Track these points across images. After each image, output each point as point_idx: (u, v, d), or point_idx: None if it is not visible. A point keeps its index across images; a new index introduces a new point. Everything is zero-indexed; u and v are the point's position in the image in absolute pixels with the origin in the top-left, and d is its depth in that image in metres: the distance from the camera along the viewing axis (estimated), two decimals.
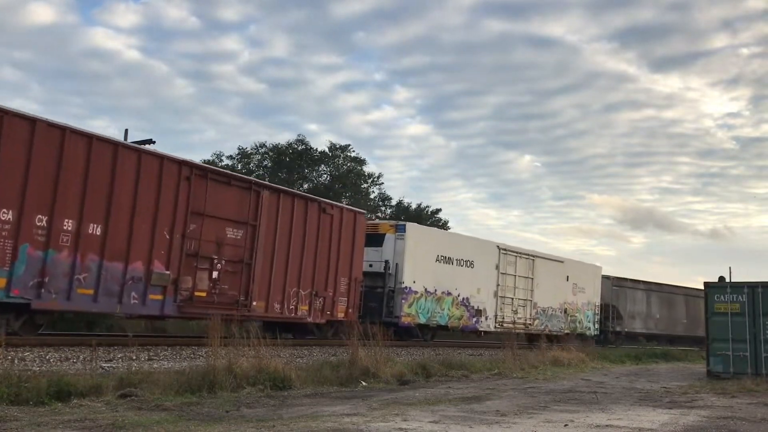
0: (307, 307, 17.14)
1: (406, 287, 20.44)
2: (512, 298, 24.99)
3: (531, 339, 24.22)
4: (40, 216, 11.80)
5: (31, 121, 11.71)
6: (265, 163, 39.41)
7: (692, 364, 22.71)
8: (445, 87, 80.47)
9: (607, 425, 7.63)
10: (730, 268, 36.93)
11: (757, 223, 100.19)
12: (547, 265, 27.01)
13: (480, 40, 78.04)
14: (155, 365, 10.79)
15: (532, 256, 26.21)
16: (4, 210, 11.32)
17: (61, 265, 12.07)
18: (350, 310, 18.44)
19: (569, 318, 28.01)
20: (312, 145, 40.14)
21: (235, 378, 9.17)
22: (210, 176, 15.00)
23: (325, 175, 40.44)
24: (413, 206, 43.09)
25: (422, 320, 21.10)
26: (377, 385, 10.97)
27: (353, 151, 41.23)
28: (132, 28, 71.96)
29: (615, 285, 32.11)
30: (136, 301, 13.35)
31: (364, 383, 10.86)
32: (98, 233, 12.69)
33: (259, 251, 15.88)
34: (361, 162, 41.34)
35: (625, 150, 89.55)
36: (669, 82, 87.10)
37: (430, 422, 7.25)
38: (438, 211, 44.48)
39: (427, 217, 42.59)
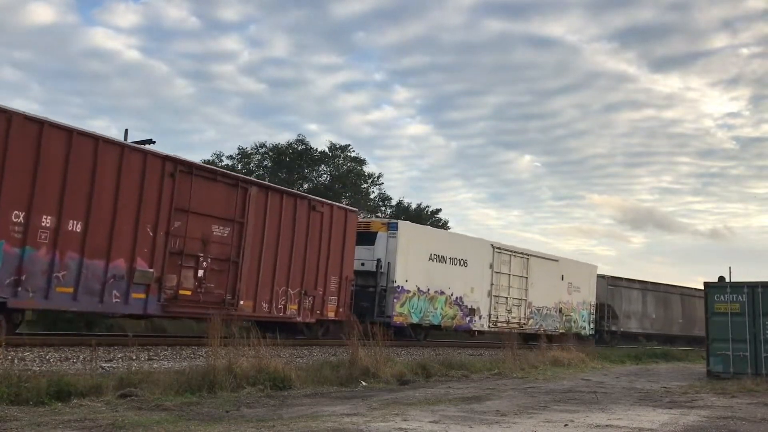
0: (296, 307, 16.89)
1: (398, 286, 20.25)
2: (506, 298, 24.78)
3: (525, 339, 24.07)
4: (16, 212, 11.48)
5: (7, 115, 11.37)
6: (265, 163, 39.43)
7: (692, 364, 22.71)
8: (445, 87, 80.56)
9: (607, 425, 7.63)
10: (730, 268, 36.85)
11: (757, 223, 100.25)
12: (542, 264, 26.80)
13: (480, 40, 78.12)
14: (155, 365, 10.79)
15: (526, 255, 26.00)
16: None
17: (39, 263, 11.76)
18: (341, 310, 18.21)
19: (564, 317, 27.83)
20: (312, 145, 40.22)
21: (235, 378, 9.18)
22: (195, 172, 14.68)
23: (325, 175, 40.48)
24: (413, 206, 43.13)
25: (415, 320, 20.90)
26: (377, 385, 10.97)
27: (353, 151, 41.30)
28: (132, 28, 72.03)
29: (610, 284, 31.95)
30: (118, 300, 13.06)
31: (364, 383, 10.87)
32: (78, 230, 12.37)
33: (246, 249, 15.63)
34: (361, 162, 41.39)
35: (625, 150, 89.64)
36: (669, 82, 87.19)
37: (430, 422, 7.25)
38: (438, 211, 44.58)
39: (427, 217, 42.60)
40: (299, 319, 17.04)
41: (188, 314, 14.85)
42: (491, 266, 24.09)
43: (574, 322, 28.47)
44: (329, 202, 18.93)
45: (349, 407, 8.23)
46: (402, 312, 20.36)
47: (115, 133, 43.68)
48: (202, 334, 14.30)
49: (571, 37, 79.44)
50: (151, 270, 13.64)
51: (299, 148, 39.40)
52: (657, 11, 77.02)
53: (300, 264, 17.05)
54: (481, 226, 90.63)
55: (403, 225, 21.26)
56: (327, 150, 40.50)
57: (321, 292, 17.67)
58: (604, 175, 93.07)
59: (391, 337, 13.15)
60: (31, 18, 64.49)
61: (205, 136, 72.12)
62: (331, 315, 17.96)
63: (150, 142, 18.00)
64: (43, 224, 11.86)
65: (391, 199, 43.14)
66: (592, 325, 29.83)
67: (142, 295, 13.49)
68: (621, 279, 33.10)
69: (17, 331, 12.30)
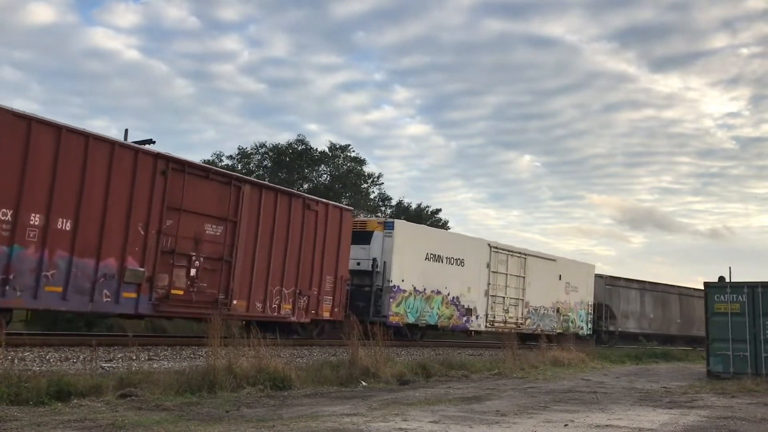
0: (290, 306, 16.71)
1: (394, 286, 20.09)
2: (503, 297, 24.64)
3: (523, 339, 23.94)
4: (4, 210, 11.34)
5: None
6: (265, 163, 39.43)
7: (692, 364, 22.71)
8: (445, 87, 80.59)
9: (607, 425, 7.63)
10: (730, 268, 36.82)
11: (757, 223, 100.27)
12: (540, 263, 26.67)
13: (480, 40, 78.13)
14: (155, 365, 10.79)
15: (524, 255, 25.85)
16: None
17: (28, 262, 11.59)
18: (336, 309, 18.07)
19: (562, 317, 27.71)
20: (312, 145, 40.19)
21: (235, 378, 9.18)
22: (187, 170, 14.46)
23: (325, 175, 40.47)
24: (413, 206, 43.14)
25: (411, 319, 20.76)
26: (377, 385, 10.97)
27: (353, 151, 41.27)
28: (132, 28, 72.04)
29: (608, 284, 31.81)
30: (109, 300, 12.87)
31: (364, 383, 10.87)
32: (68, 228, 12.18)
33: (239, 248, 15.45)
34: (361, 162, 41.37)
35: (624, 150, 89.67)
36: (669, 82, 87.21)
37: (430, 422, 7.25)
38: (438, 211, 44.57)
39: (427, 217, 42.60)
40: (293, 318, 16.85)
41: (180, 314, 14.70)
42: (488, 266, 23.95)
43: (572, 322, 28.35)
44: (324, 200, 18.77)
45: (349, 407, 8.23)
46: (398, 312, 20.24)
47: (115, 133, 43.69)
48: (202, 334, 14.29)
49: (571, 37, 79.51)
50: (143, 269, 13.46)
51: (299, 148, 39.40)
52: (657, 11, 77.09)
53: (294, 263, 16.88)
54: (480, 226, 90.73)
55: (399, 224, 21.12)
56: (327, 150, 40.52)
57: (316, 292, 17.49)
58: (603, 175, 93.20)
59: (390, 337, 13.15)
60: (31, 18, 64.56)
61: (205, 136, 72.19)
62: (326, 315, 17.80)
63: (150, 142, 17.99)
64: (31, 222, 11.70)
65: (391, 199, 43.21)
66: (589, 325, 29.69)
67: (133, 295, 13.32)
68: (619, 279, 33.01)
69: (9, 331, 12.18)
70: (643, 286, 34.17)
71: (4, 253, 11.33)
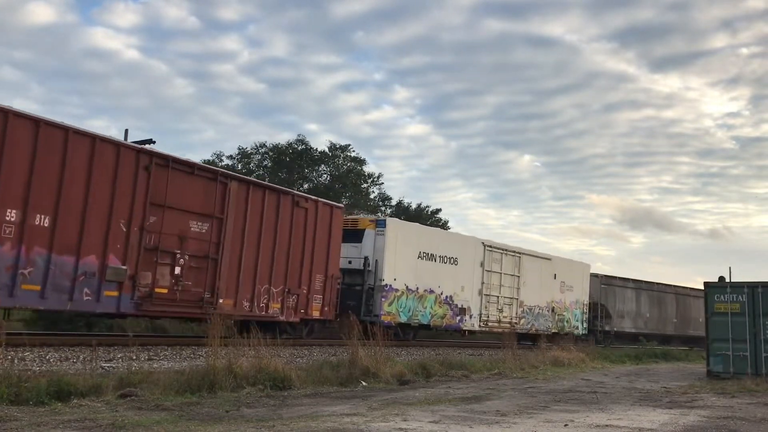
0: (279, 305, 16.39)
1: (386, 285, 19.78)
2: (498, 297, 24.38)
3: (518, 338, 23.86)
4: None
5: None
6: (265, 163, 39.45)
7: (692, 364, 22.72)
8: (445, 87, 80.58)
9: (607, 425, 7.63)
10: (730, 268, 36.66)
11: (756, 223, 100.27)
12: (534, 262, 26.42)
13: (480, 39, 78.13)
14: (155, 365, 10.79)
15: (518, 254, 25.59)
16: None
17: (4, 259, 11.28)
18: (326, 309, 17.77)
19: (557, 317, 27.49)
20: (312, 145, 40.21)
21: (235, 378, 9.19)
22: (172, 165, 14.13)
23: (325, 175, 40.49)
24: (413, 206, 43.15)
25: (403, 319, 20.44)
26: (377, 385, 10.97)
27: (353, 151, 41.29)
28: (131, 28, 72.05)
29: (604, 283, 31.62)
30: (90, 298, 12.55)
31: (364, 383, 10.87)
32: (46, 224, 11.84)
33: (226, 246, 15.13)
34: (361, 162, 41.39)
35: (624, 150, 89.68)
36: (669, 82, 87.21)
37: (430, 422, 7.25)
38: (438, 211, 44.57)
39: (427, 217, 42.60)
40: (282, 318, 16.52)
41: (164, 313, 14.46)
42: (482, 264, 23.70)
43: (567, 321, 28.14)
44: (314, 197, 18.42)
45: (349, 407, 8.23)
46: (390, 311, 19.96)
47: (115, 133, 43.60)
48: (201, 334, 14.29)
49: (571, 37, 79.51)
50: (125, 267, 13.15)
51: (299, 148, 39.42)
52: (657, 11, 77.09)
53: (283, 261, 16.57)
54: (480, 226, 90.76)
55: (392, 222, 20.89)
56: (327, 150, 40.54)
57: (305, 291, 17.18)
58: (603, 175, 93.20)
59: (391, 337, 13.14)
60: (31, 18, 64.55)
61: (205, 136, 72.21)
62: (315, 314, 17.48)
63: (150, 142, 17.96)
64: (7, 218, 11.38)
65: (391, 199, 43.22)
66: (585, 325, 29.48)
67: (115, 293, 13.01)
68: (614, 278, 32.89)
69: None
70: (639, 286, 34.04)
71: None
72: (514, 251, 25.49)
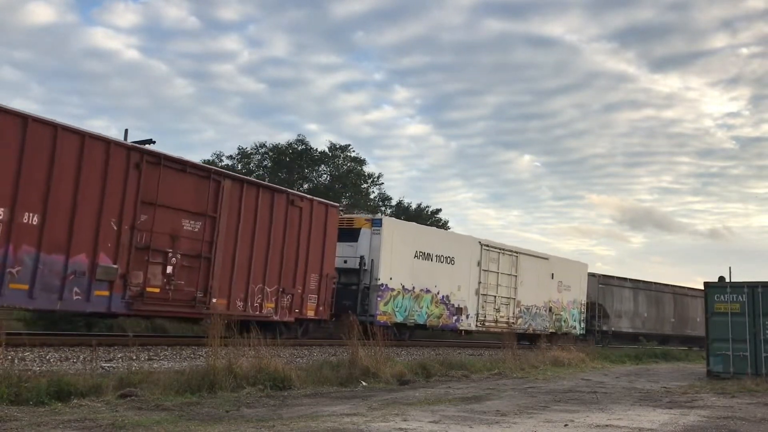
0: (273, 305, 16.22)
1: (382, 284, 19.59)
2: (495, 296, 24.26)
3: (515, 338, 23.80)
4: None
5: None
6: (265, 163, 39.46)
7: (692, 364, 22.72)
8: (445, 87, 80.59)
9: (607, 425, 7.63)
10: (730, 268, 36.71)
11: (756, 223, 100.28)
12: (532, 262, 26.30)
13: (480, 39, 78.13)
14: (155, 365, 10.79)
15: (515, 253, 25.46)
16: None
17: None
18: (321, 308, 17.63)
19: (554, 317, 27.40)
20: (312, 145, 40.23)
21: (235, 378, 9.19)
22: (163, 163, 13.93)
23: (325, 175, 40.50)
24: (413, 206, 43.15)
25: (399, 319, 20.23)
26: (377, 385, 10.97)
27: (353, 151, 41.31)
28: (131, 28, 72.06)
29: (601, 283, 31.47)
30: (80, 297, 12.37)
31: (364, 383, 10.87)
32: (35, 223, 11.65)
33: (219, 245, 14.95)
34: (361, 162, 41.40)
35: (624, 150, 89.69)
36: (668, 82, 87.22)
37: (430, 422, 7.25)
38: (438, 211, 44.59)
39: (427, 217, 42.61)
40: (276, 317, 16.35)
41: (156, 313, 14.35)
42: (479, 264, 23.55)
43: (565, 321, 28.05)
44: (309, 196, 18.28)
45: (349, 407, 8.23)
46: (386, 311, 19.79)
47: (115, 133, 43.69)
48: (201, 334, 14.28)
49: (571, 37, 79.52)
50: (115, 266, 12.96)
51: (299, 148, 39.42)
52: (657, 11, 77.09)
53: (277, 261, 16.43)
54: (480, 226, 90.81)
55: (387, 221, 20.76)
56: (327, 150, 40.56)
57: (300, 290, 17.04)
58: (603, 175, 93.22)
59: (391, 337, 13.14)
60: (31, 18, 64.56)
61: (205, 136, 72.22)
62: (310, 314, 17.32)
63: (150, 142, 17.98)
64: None
65: (391, 199, 43.23)
66: (582, 325, 29.36)
67: (106, 293, 12.82)
68: (612, 278, 32.81)
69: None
70: (637, 285, 33.93)
71: None
72: (511, 251, 25.37)
